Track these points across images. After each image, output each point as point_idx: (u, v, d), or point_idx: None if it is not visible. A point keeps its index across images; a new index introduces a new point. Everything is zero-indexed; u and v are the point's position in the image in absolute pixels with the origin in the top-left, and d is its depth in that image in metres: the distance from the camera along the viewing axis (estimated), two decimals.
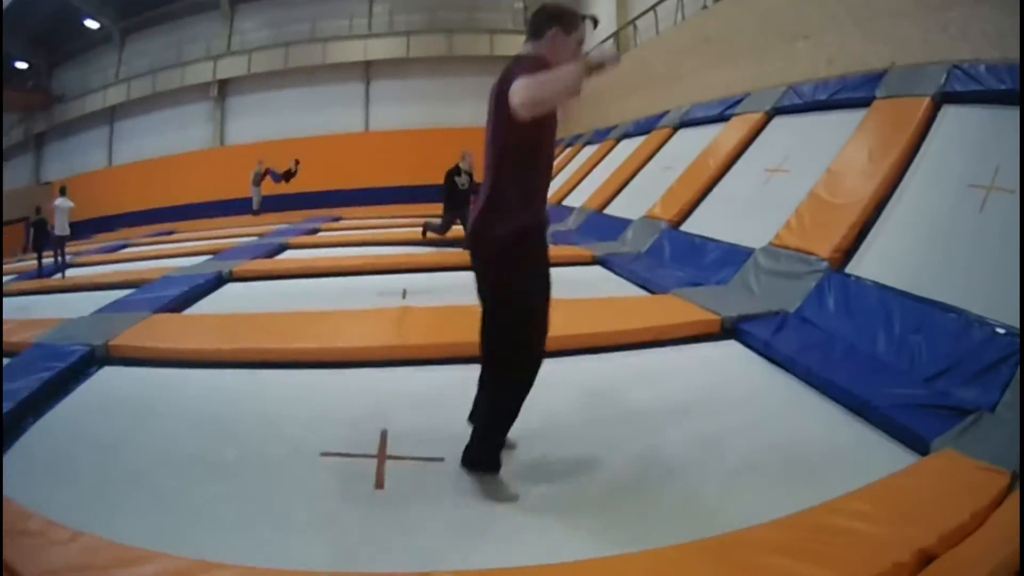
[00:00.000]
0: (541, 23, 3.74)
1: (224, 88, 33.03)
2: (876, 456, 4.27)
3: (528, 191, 3.79)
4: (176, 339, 6.59)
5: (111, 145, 34.46)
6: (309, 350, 6.10)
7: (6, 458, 4.04)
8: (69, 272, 14.06)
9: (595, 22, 3.82)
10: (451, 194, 13.05)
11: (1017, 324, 4.78)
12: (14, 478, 3.70)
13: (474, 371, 4.19)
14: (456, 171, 13.17)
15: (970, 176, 6.35)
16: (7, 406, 4.79)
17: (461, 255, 10.40)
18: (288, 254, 13.70)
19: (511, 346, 3.80)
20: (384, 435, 4.45)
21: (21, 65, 34.14)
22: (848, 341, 6.00)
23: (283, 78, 32.21)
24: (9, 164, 33.09)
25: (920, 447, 4.25)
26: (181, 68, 32.78)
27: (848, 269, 6.96)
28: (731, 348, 6.44)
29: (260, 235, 17.16)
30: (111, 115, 34.36)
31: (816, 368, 5.51)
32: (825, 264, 7.07)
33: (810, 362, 5.61)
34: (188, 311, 8.35)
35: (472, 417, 4.14)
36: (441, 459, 4.13)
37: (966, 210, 6.16)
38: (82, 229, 28.09)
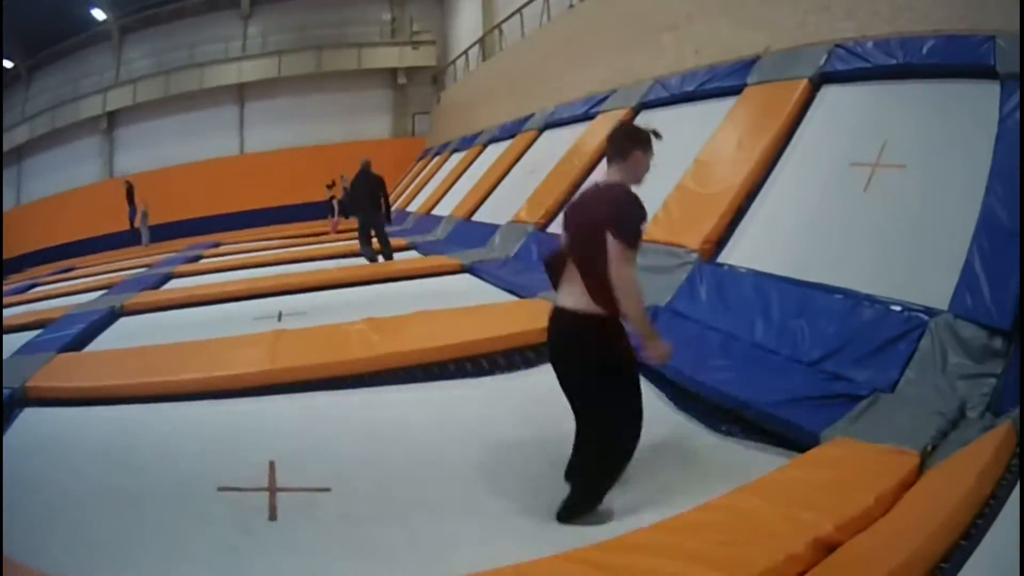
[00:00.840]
0: (626, 145, 3.87)
1: (112, 120, 32.01)
2: (763, 453, 4.02)
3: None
4: (79, 378, 6.42)
5: (19, 184, 33.14)
6: (194, 381, 5.99)
7: None
8: None
9: (658, 136, 3.95)
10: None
11: (914, 300, 4.61)
12: None
13: (347, 396, 5.13)
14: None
15: (853, 155, 6.09)
16: None
17: (328, 274, 9.48)
18: (173, 284, 13.28)
19: (615, 422, 3.80)
20: (272, 467, 4.40)
21: None
22: (724, 331, 5.70)
23: (165, 106, 31.36)
24: None
25: (811, 440, 3.89)
26: (76, 103, 31.74)
27: (721, 259, 6.69)
28: None
29: (147, 266, 16.91)
30: (18, 154, 32.94)
31: (689, 367, 5.15)
32: (695, 255, 6.79)
33: (682, 361, 5.12)
34: (88, 348, 8.09)
35: (568, 474, 4.01)
36: (328, 489, 4.14)
37: (850, 190, 5.90)
38: None
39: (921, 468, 3.24)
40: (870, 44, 6.74)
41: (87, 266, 21.44)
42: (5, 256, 28.64)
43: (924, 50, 6.11)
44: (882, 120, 6.20)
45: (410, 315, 7.05)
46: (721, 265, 6.55)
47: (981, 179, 4.73)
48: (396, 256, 13.22)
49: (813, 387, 4.41)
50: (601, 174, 3.98)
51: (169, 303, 10.53)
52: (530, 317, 6.61)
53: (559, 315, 3.87)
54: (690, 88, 9.54)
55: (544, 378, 5.59)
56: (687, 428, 4.72)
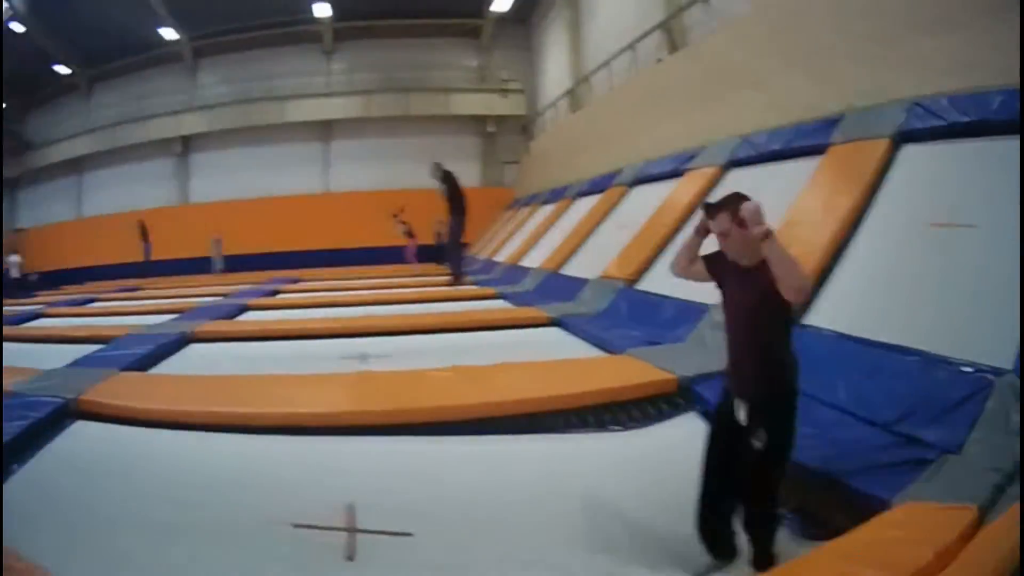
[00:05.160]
0: None
1: (187, 144, 32.72)
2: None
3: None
4: (142, 398, 6.46)
5: (80, 196, 34.01)
6: (270, 415, 5.94)
7: None
8: (40, 322, 13.85)
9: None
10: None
11: (983, 360, 4.66)
12: None
13: (434, 442, 5.23)
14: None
15: (927, 216, 6.18)
16: None
17: (413, 319, 10.00)
18: (248, 315, 13.39)
19: (775, 486, 3.90)
20: (351, 508, 4.29)
21: None
22: (805, 392, 5.62)
23: (244, 136, 31.92)
24: None
25: (882, 507, 3.92)
26: (145, 122, 32.34)
27: (805, 320, 6.65)
28: (688, 417, 6.01)
29: (222, 295, 16.95)
30: (79, 166, 33.88)
31: None
32: None
33: None
34: (153, 370, 8.22)
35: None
36: (410, 534, 4.01)
37: (922, 250, 5.99)
38: (50, 280, 28.76)
39: (980, 522, 3.35)
40: (944, 101, 6.85)
41: (154, 288, 21.81)
42: (61, 266, 30.65)
43: (995, 105, 6.24)
44: (955, 180, 6.30)
45: (498, 365, 7.09)
46: (806, 326, 6.52)
47: None
48: (485, 305, 13.28)
49: (885, 453, 4.44)
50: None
51: (245, 335, 10.61)
52: (618, 373, 6.68)
53: None
54: (777, 146, 9.69)
55: (643, 440, 5.71)
56: None
